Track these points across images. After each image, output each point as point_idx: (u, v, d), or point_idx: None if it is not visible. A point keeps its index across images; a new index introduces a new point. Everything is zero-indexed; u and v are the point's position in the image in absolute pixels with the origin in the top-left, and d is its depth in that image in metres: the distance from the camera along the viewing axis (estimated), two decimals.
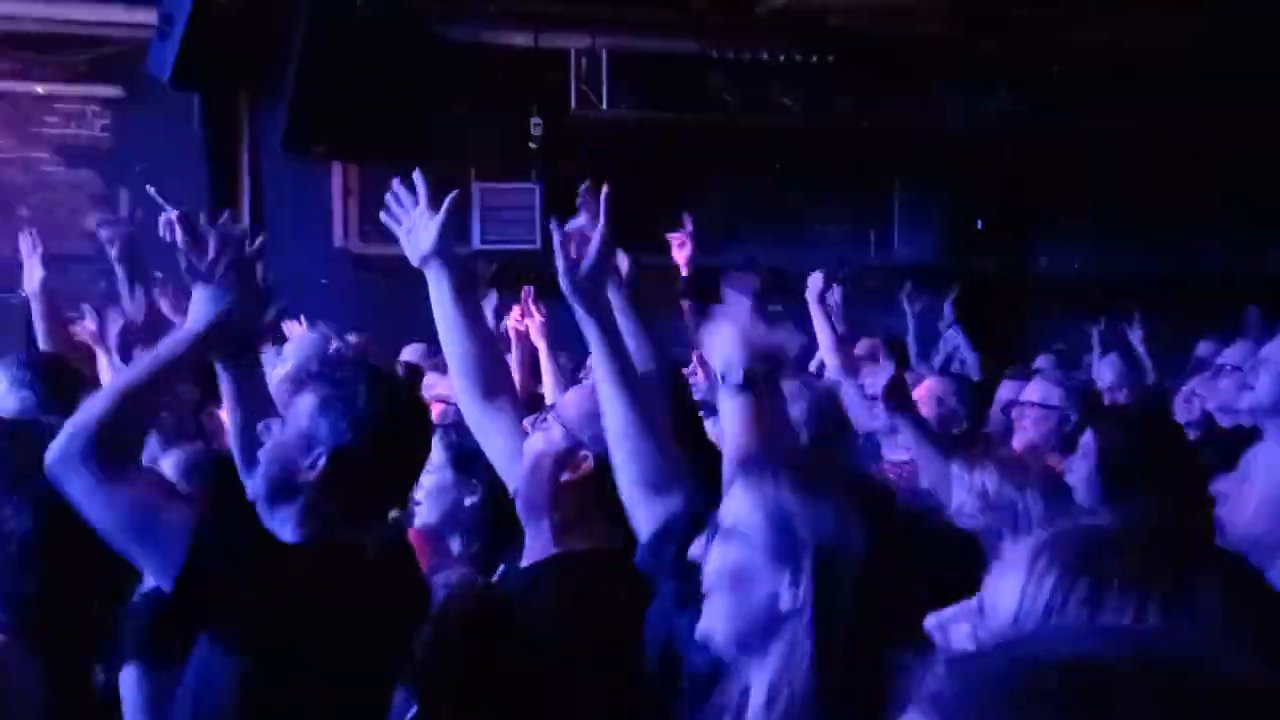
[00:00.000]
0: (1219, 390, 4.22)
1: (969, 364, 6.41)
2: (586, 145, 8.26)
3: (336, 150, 7.67)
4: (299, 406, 1.89)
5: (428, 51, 7.59)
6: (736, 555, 1.48)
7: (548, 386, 3.82)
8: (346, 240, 8.45)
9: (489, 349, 2.31)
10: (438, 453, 2.57)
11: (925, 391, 3.90)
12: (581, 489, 2.06)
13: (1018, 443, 3.58)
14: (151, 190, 2.52)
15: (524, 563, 2.13)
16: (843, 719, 1.35)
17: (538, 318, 3.91)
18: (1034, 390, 3.76)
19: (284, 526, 1.86)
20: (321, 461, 1.81)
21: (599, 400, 2.09)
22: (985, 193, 9.12)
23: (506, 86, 8.16)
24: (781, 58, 8.31)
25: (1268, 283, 8.82)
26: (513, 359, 3.91)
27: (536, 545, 2.11)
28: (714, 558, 1.50)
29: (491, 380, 2.24)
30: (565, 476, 2.06)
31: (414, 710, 2.07)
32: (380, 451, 1.84)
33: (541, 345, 3.86)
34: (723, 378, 1.87)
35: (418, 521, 2.53)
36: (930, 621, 1.10)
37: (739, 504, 1.51)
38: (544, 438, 2.09)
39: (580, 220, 2.18)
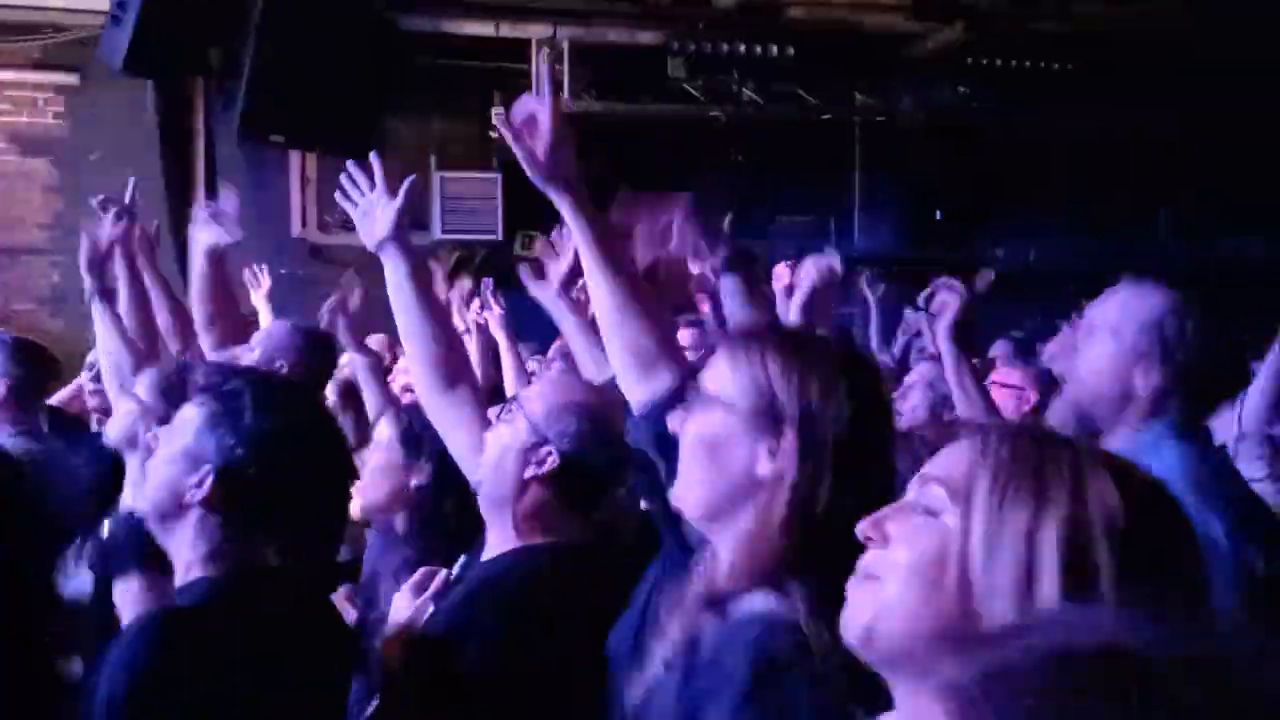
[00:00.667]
0: None
1: (929, 348, 6.45)
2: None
3: (294, 139, 7.58)
4: (183, 420, 1.79)
5: (387, 39, 7.53)
6: (715, 422, 1.46)
7: (508, 379, 3.82)
8: (304, 230, 8.37)
9: (448, 337, 2.28)
10: (386, 430, 2.56)
11: (916, 376, 3.88)
12: (546, 484, 2.04)
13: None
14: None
15: (485, 556, 2.12)
16: (804, 586, 1.35)
17: (497, 310, 3.90)
18: (997, 374, 3.83)
19: (177, 548, 1.78)
20: (209, 481, 1.73)
21: (565, 390, 2.09)
22: (943, 184, 9.22)
23: (468, 75, 8.12)
24: (742, 49, 8.32)
25: (1216, 272, 9.00)
26: (473, 351, 3.90)
27: (499, 538, 2.09)
28: (692, 425, 1.49)
29: (451, 369, 2.21)
30: (530, 471, 2.04)
31: (374, 704, 2.05)
32: (275, 468, 1.75)
33: (501, 337, 3.85)
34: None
35: (361, 499, 2.50)
36: (863, 524, 1.11)
37: (720, 373, 1.49)
38: (509, 430, 2.07)
39: (525, 103, 2.02)
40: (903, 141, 8.95)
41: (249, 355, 3.34)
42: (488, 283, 4.00)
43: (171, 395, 2.39)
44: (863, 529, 1.10)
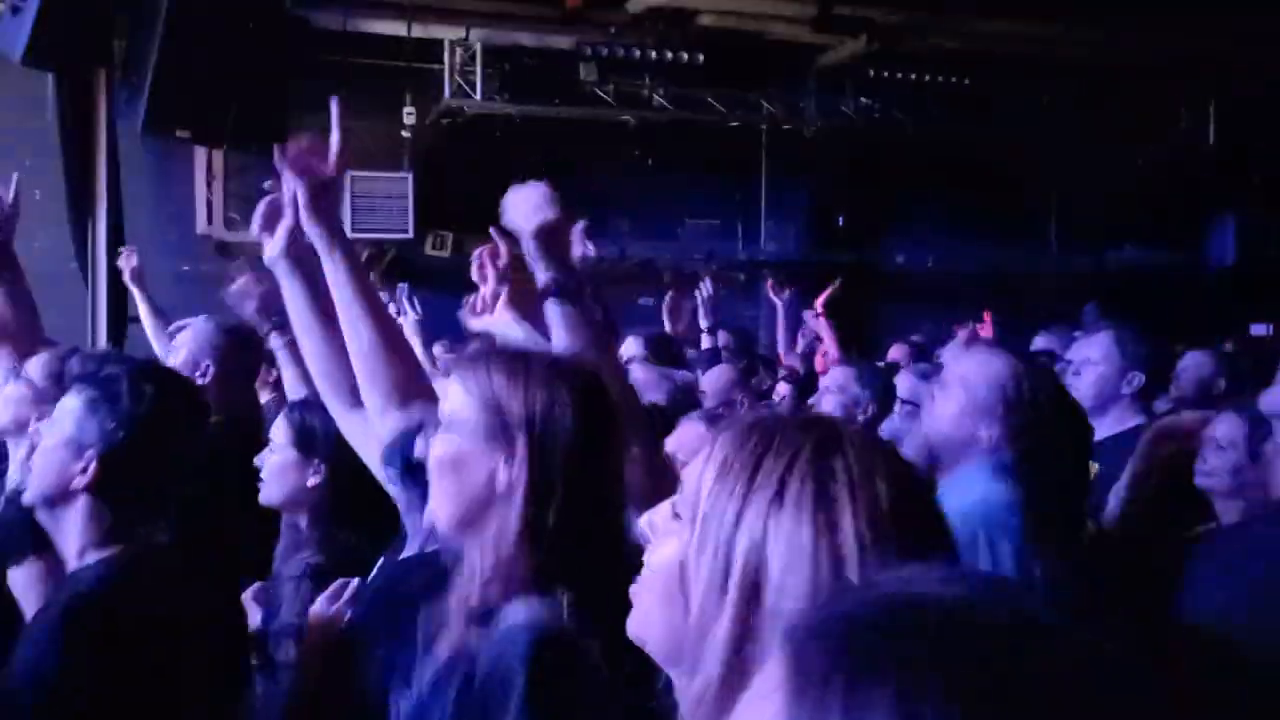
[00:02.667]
0: None
1: (830, 354, 6.63)
2: (459, 135, 8.27)
3: (200, 135, 7.46)
4: (64, 409, 1.83)
5: (297, 36, 7.47)
6: (455, 442, 1.56)
7: None
8: (210, 227, 8.26)
9: (391, 334, 2.26)
10: (281, 432, 2.52)
11: (829, 381, 3.88)
12: None
13: (886, 431, 3.58)
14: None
15: (408, 554, 2.11)
16: (568, 589, 1.45)
17: (411, 315, 3.88)
18: (903, 385, 3.80)
19: (67, 534, 1.82)
20: (93, 465, 1.77)
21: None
22: (846, 191, 9.47)
23: (379, 74, 8.09)
24: (653, 55, 8.45)
25: (1103, 280, 9.42)
26: None
27: (419, 539, 2.03)
28: (435, 448, 1.59)
29: (354, 384, 2.13)
30: None
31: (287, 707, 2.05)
32: (152, 450, 1.80)
33: (415, 344, 3.82)
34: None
35: (262, 498, 2.50)
36: (642, 520, 1.15)
37: (454, 396, 1.58)
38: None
39: (304, 144, 2.13)
40: (807, 149, 9.18)
41: (174, 356, 3.29)
42: (403, 288, 3.99)
43: (63, 381, 2.41)
44: (641, 525, 1.15)
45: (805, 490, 0.97)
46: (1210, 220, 10.48)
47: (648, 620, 1.08)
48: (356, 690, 1.88)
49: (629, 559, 1.18)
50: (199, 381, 3.05)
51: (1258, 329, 8.98)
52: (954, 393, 2.29)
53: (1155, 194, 9.84)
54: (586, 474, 1.52)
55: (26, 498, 1.87)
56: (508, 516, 1.50)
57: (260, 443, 2.77)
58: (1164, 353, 3.90)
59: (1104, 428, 3.25)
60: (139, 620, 1.73)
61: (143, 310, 4.82)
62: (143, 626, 1.73)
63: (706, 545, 1.00)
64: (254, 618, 2.27)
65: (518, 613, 1.45)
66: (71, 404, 1.83)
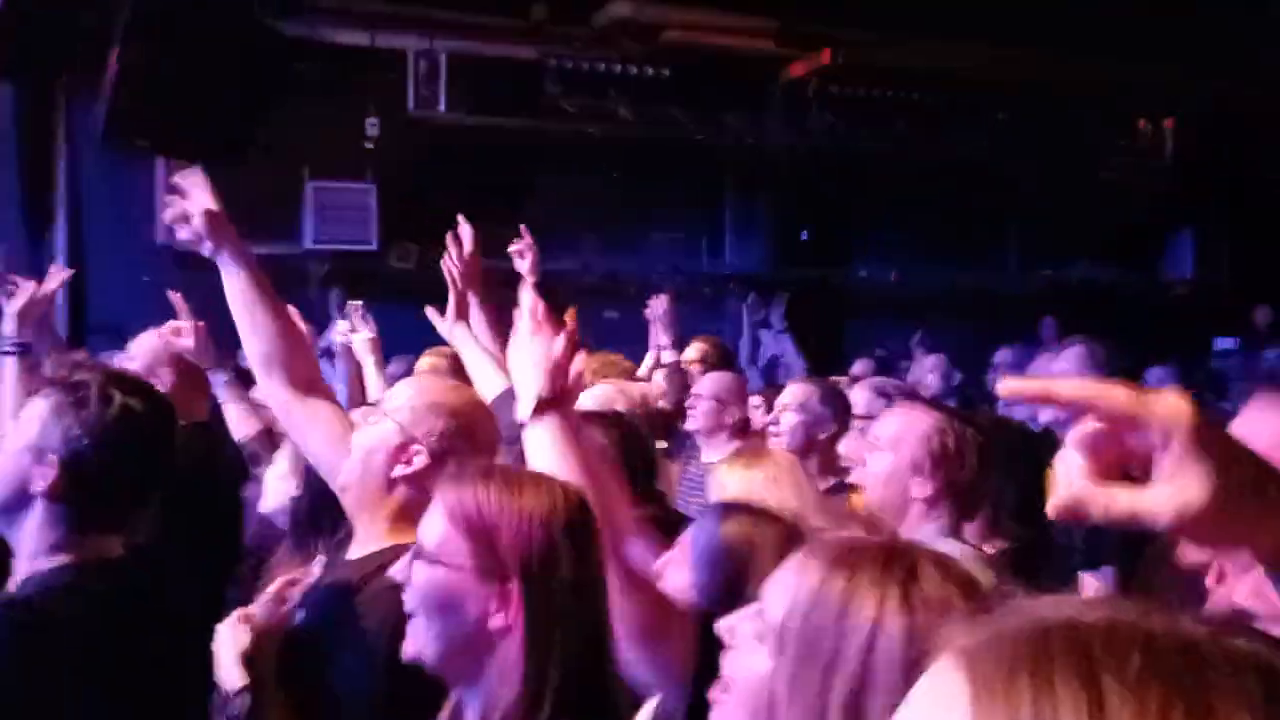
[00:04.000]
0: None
1: (795, 369, 6.67)
2: (424, 147, 8.24)
3: (160, 144, 7.39)
4: (31, 413, 1.81)
5: (259, 45, 7.41)
6: (442, 577, 1.47)
7: (373, 399, 3.75)
8: (170, 237, 8.15)
9: (294, 343, 2.25)
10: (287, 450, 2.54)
11: (789, 399, 3.87)
12: (415, 482, 2.06)
13: (847, 449, 3.52)
14: None
15: (353, 555, 2.12)
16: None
17: (366, 333, 3.83)
18: (858, 400, 3.84)
19: (22, 540, 1.79)
20: (54, 471, 1.75)
21: (430, 391, 2.13)
22: (810, 206, 9.53)
23: (343, 85, 8.05)
24: (618, 69, 8.47)
25: (1063, 295, 9.54)
26: (339, 372, 3.85)
27: (367, 537, 2.08)
28: (418, 579, 1.49)
29: (303, 375, 2.22)
30: (398, 471, 2.06)
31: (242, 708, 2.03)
32: (115, 458, 1.78)
33: (369, 362, 3.78)
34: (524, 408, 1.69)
35: (260, 506, 2.51)
36: (720, 624, 1.20)
37: (437, 523, 1.50)
38: (376, 432, 2.09)
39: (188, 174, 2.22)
40: (771, 164, 9.23)
41: (130, 365, 3.27)
42: (356, 305, 3.92)
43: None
44: (720, 629, 1.20)
45: (896, 635, 1.04)
46: (1167, 236, 10.65)
47: None
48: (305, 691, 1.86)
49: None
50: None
51: (1223, 342, 9.11)
52: (883, 454, 2.32)
53: (1113, 210, 9.99)
54: (584, 613, 1.45)
55: None
56: (507, 659, 1.43)
57: (220, 448, 2.77)
58: (1131, 368, 4.00)
59: None
60: (77, 632, 1.70)
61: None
62: (81, 638, 1.70)
63: (797, 685, 1.06)
64: (244, 640, 2.24)
65: None
66: (38, 408, 1.81)
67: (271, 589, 2.07)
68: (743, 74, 8.85)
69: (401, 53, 8.27)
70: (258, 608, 2.05)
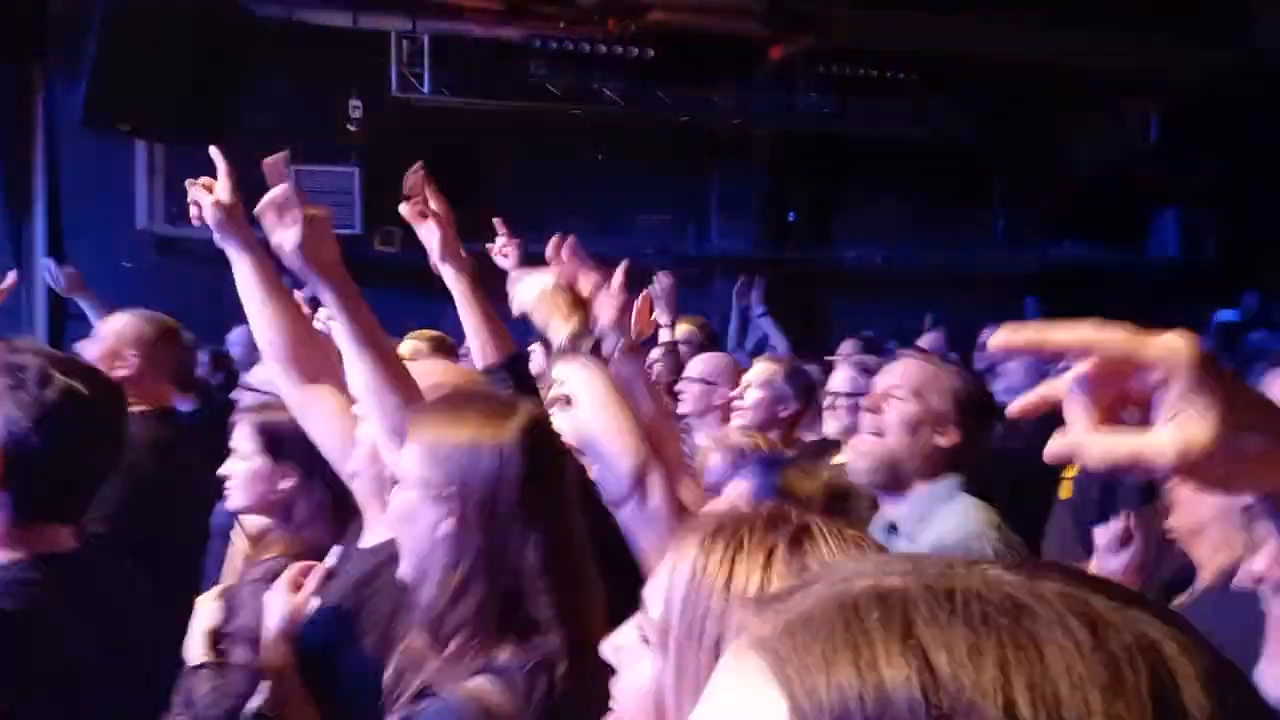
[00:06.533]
0: (1007, 373, 4.67)
1: (779, 350, 6.67)
2: (407, 129, 8.17)
3: (140, 128, 7.32)
4: None
5: (239, 27, 7.34)
6: (403, 495, 1.66)
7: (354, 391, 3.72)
8: (151, 222, 8.09)
9: (303, 331, 2.26)
10: (246, 442, 2.51)
11: (754, 375, 3.87)
12: None
13: (831, 429, 3.60)
14: None
15: (364, 544, 2.11)
16: (483, 627, 1.55)
17: None
18: (842, 379, 3.74)
19: None
20: None
21: (430, 375, 2.11)
22: (797, 187, 9.51)
23: (325, 67, 7.98)
24: (603, 49, 8.42)
25: (1049, 275, 9.56)
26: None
27: (379, 528, 2.08)
28: (392, 505, 1.70)
29: (311, 364, 2.20)
30: None
31: (258, 703, 2.02)
32: (59, 442, 1.72)
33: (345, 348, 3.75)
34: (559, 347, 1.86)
35: (229, 505, 2.49)
36: (604, 647, 1.09)
37: (406, 450, 1.68)
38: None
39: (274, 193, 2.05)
40: (758, 144, 9.20)
41: (95, 346, 3.25)
42: None
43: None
44: (605, 652, 1.09)
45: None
46: (1152, 215, 10.67)
47: None
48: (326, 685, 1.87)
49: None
50: (120, 371, 3.01)
51: (1225, 314, 9.11)
52: (906, 402, 2.26)
53: (1099, 190, 10.00)
54: (521, 521, 1.59)
55: None
56: (441, 567, 1.59)
57: (177, 434, 2.74)
58: None
59: None
60: (31, 629, 1.66)
61: (91, 314, 4.69)
62: (36, 635, 1.66)
63: (685, 674, 0.93)
64: (215, 617, 2.23)
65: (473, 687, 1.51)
66: None
67: (286, 577, 2.06)
68: (729, 54, 8.81)
69: (384, 34, 8.19)
70: (274, 596, 2.04)
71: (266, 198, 1.98)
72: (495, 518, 1.59)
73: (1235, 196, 10.03)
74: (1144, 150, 10.25)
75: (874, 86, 9.20)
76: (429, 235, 2.61)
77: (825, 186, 9.52)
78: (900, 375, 2.32)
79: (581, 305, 1.86)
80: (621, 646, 1.06)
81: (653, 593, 1.01)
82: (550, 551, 1.60)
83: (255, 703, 1.97)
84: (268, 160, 1.99)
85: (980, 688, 0.45)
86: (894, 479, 2.25)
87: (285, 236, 1.96)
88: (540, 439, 1.65)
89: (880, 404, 2.27)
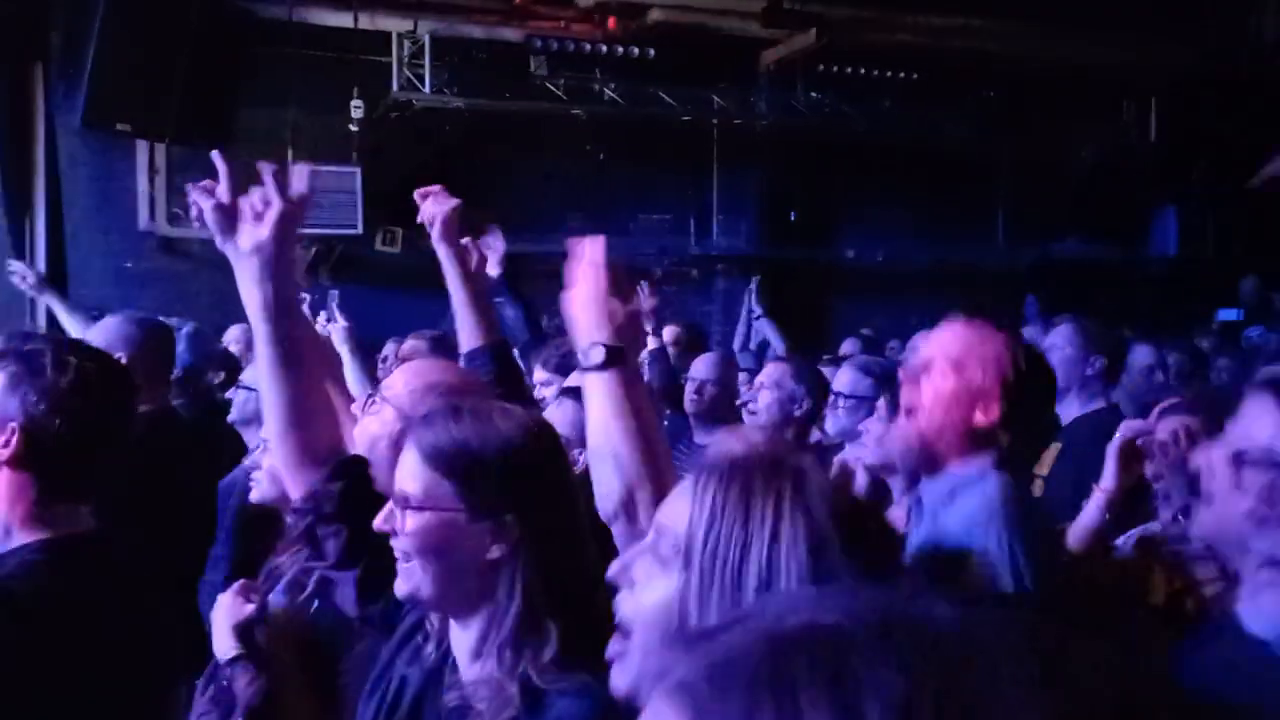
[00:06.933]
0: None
1: (777, 350, 6.68)
2: (408, 129, 8.18)
3: (141, 128, 7.32)
4: None
5: (241, 27, 7.35)
6: (434, 522, 1.49)
7: (352, 390, 3.73)
8: (153, 222, 8.10)
9: (305, 334, 2.26)
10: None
11: (765, 377, 3.85)
12: None
13: (832, 430, 3.57)
14: None
15: None
16: (544, 656, 1.45)
17: (342, 322, 3.82)
18: (845, 381, 3.68)
19: None
20: (16, 438, 1.76)
21: (424, 373, 2.11)
22: (797, 186, 9.51)
23: (326, 67, 7.99)
24: (603, 49, 8.42)
25: (1049, 273, 9.56)
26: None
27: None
28: (410, 528, 1.50)
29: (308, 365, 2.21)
30: None
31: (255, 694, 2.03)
32: (76, 423, 1.79)
33: (345, 351, 3.77)
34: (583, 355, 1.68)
35: (254, 496, 2.50)
36: (612, 569, 1.19)
37: (414, 469, 1.51)
38: (376, 420, 2.08)
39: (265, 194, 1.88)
40: (758, 143, 9.20)
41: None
42: (334, 295, 3.92)
43: None
44: (611, 575, 1.19)
45: (797, 530, 1.10)
46: (1152, 213, 10.67)
47: (647, 670, 1.13)
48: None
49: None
50: None
51: (1227, 313, 9.12)
52: (943, 374, 2.05)
53: (1099, 187, 10.01)
54: (570, 531, 1.53)
55: None
56: (506, 589, 1.47)
57: (176, 435, 2.75)
58: (1120, 340, 4.21)
59: (1072, 410, 3.71)
60: (62, 608, 1.71)
61: (60, 313, 4.71)
62: (65, 615, 1.70)
63: (713, 584, 1.09)
64: (243, 611, 2.24)
65: (569, 704, 1.43)
66: None
67: (287, 577, 2.07)
68: (729, 54, 8.82)
69: (386, 34, 8.20)
70: (276, 596, 2.05)
71: (255, 195, 1.86)
72: (549, 533, 1.49)
73: (1234, 194, 10.04)
74: (1144, 149, 10.26)
75: (874, 86, 9.20)
76: (432, 212, 2.52)
77: (825, 186, 9.53)
78: (942, 344, 2.09)
79: (607, 314, 1.73)
80: (631, 567, 1.18)
81: (673, 514, 1.15)
82: (589, 557, 1.54)
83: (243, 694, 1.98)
84: (277, 170, 1.91)
85: None
86: (928, 460, 2.05)
87: (251, 234, 1.83)
88: (558, 444, 1.60)
89: (920, 376, 2.06)
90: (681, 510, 1.15)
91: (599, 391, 1.61)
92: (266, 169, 1.88)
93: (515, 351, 3.10)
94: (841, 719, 0.43)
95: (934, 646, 0.45)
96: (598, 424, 1.61)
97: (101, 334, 3.33)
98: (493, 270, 3.63)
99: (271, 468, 2.00)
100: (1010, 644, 0.47)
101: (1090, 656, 0.42)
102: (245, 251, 1.80)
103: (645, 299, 4.40)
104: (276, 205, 1.80)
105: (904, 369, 2.13)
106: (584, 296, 1.69)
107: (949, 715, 0.43)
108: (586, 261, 1.75)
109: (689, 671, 0.48)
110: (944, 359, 2.06)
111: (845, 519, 1.12)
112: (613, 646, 1.18)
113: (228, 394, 3.55)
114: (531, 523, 1.48)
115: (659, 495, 1.56)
